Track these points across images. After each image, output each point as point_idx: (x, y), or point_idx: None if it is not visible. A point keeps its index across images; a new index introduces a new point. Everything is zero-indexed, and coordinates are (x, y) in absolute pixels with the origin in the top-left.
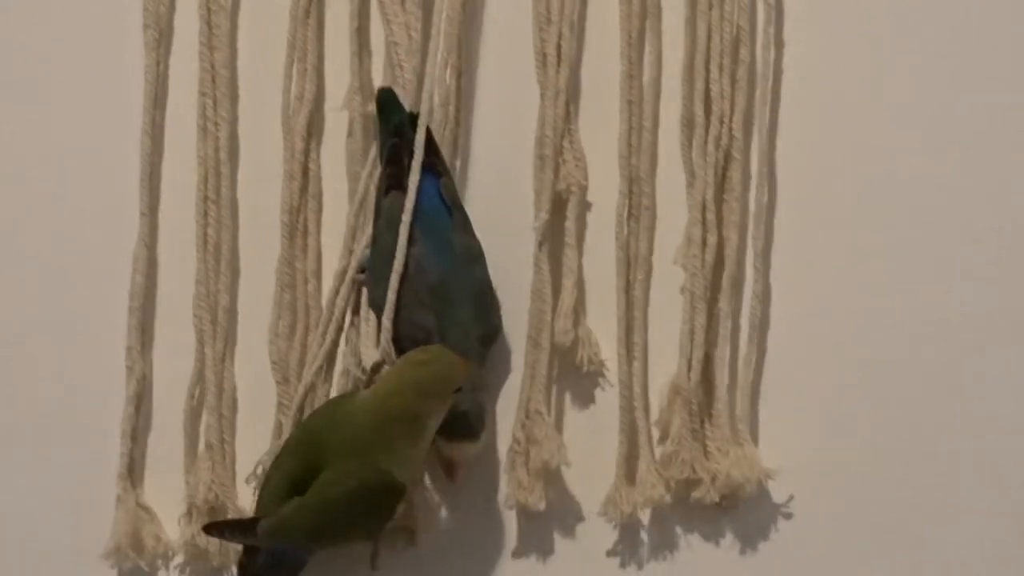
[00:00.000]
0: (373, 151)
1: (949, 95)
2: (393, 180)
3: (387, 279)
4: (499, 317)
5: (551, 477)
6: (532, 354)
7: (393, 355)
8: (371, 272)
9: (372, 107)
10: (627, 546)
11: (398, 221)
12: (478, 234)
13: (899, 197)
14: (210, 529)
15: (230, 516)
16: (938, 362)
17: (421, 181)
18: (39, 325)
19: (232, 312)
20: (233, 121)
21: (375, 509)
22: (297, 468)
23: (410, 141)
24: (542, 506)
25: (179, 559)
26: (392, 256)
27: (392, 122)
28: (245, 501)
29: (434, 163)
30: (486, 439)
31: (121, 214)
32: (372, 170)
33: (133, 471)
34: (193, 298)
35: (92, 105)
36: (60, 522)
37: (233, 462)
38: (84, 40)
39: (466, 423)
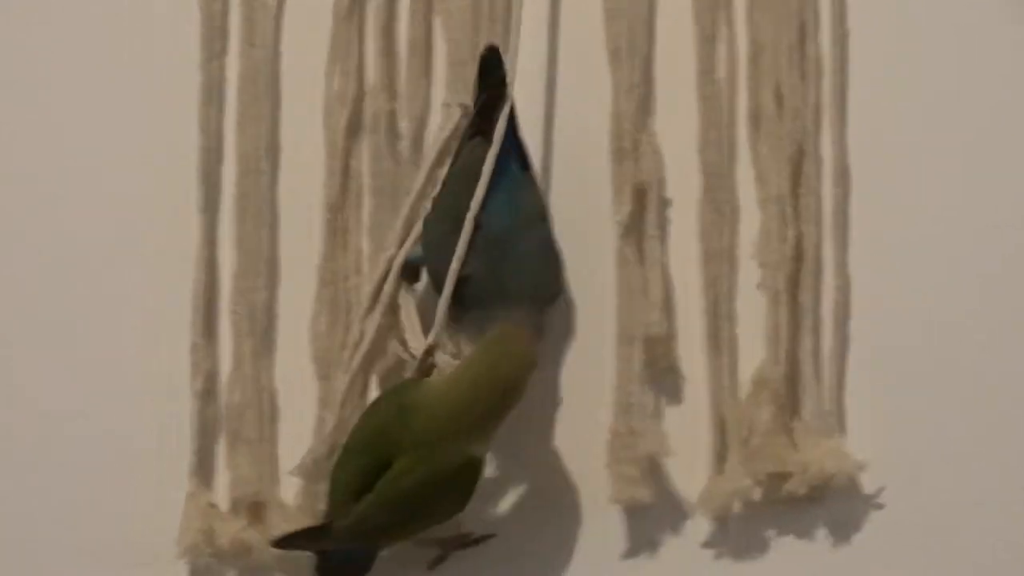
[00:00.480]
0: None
1: (1021, 82)
2: (479, 128)
3: (446, 226)
4: (561, 281)
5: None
6: (625, 347)
7: (445, 338)
8: (430, 221)
9: (396, 104)
10: (720, 539)
11: (474, 167)
12: (557, 228)
13: (975, 186)
14: (281, 543)
15: (271, 512)
16: None
17: (504, 137)
18: (97, 322)
19: (270, 309)
20: (274, 119)
21: (452, 490)
22: (367, 464)
23: (503, 97)
24: (648, 499)
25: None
26: (457, 202)
27: (491, 79)
28: (287, 494)
29: (515, 128)
30: None
31: (176, 211)
32: (434, 165)
33: (202, 468)
34: (231, 294)
35: (147, 101)
36: (125, 520)
37: (274, 458)
38: (139, 36)
39: None
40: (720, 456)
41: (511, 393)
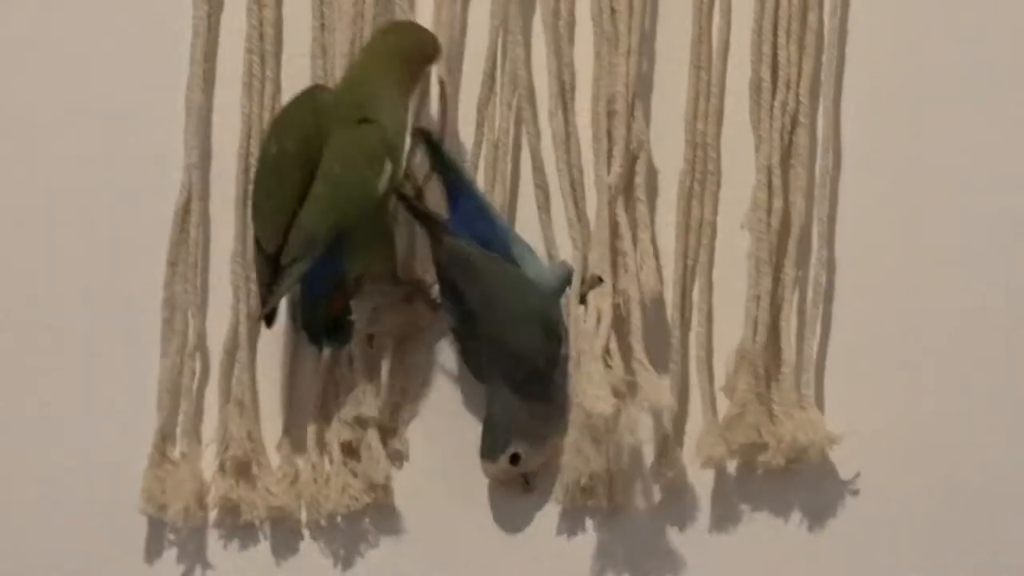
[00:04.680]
0: None
1: (1019, 59)
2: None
3: None
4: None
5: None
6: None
7: None
8: None
9: None
10: (686, 505)
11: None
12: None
13: (967, 163)
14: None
15: (256, 471)
16: (1006, 329)
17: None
18: (86, 282)
19: None
20: (277, 79)
21: (367, 160)
22: (300, 176)
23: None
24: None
25: (213, 515)
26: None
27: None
28: (274, 457)
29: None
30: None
31: (168, 167)
32: None
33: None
34: (231, 255)
35: (140, 58)
36: (101, 480)
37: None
38: None
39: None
40: (678, 425)
41: (414, 58)
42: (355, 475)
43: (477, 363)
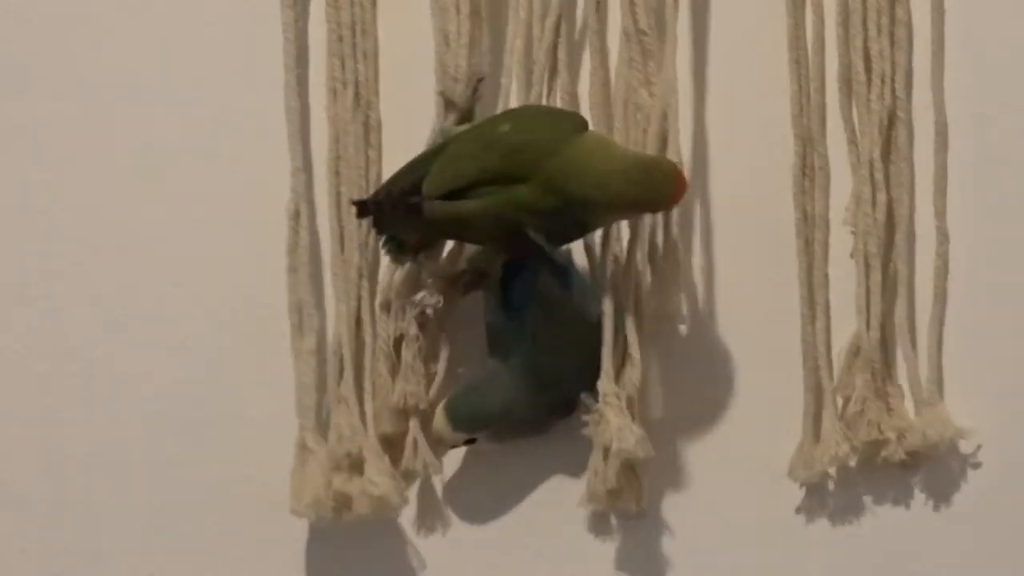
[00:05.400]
0: None
1: None
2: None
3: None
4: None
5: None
6: None
7: None
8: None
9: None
10: (816, 504)
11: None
12: None
13: None
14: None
15: (368, 472)
16: None
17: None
18: (199, 283)
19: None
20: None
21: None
22: (492, 168)
23: None
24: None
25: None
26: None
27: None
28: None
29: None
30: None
31: (271, 172)
32: None
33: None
34: (330, 256)
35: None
36: (243, 475)
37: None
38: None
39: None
40: (816, 423)
41: (643, 205)
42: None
43: (504, 350)
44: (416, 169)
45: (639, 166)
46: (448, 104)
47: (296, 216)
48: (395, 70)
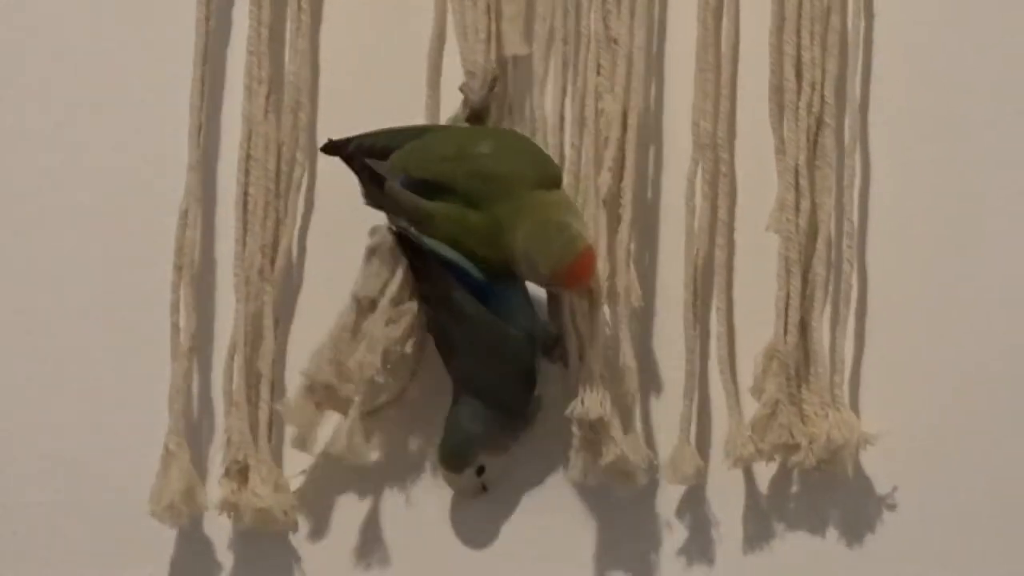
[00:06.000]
0: None
1: None
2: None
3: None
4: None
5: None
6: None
7: None
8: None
9: None
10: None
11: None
12: None
13: (993, 163)
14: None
15: (254, 475)
16: None
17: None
18: (86, 281)
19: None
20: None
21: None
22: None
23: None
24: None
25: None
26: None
27: None
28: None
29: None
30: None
31: (168, 169)
32: None
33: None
34: (234, 257)
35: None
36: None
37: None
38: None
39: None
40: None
41: (539, 266)
42: None
43: (455, 368)
44: (395, 138)
45: (552, 226)
46: (465, 99)
47: (185, 214)
48: (338, 72)
